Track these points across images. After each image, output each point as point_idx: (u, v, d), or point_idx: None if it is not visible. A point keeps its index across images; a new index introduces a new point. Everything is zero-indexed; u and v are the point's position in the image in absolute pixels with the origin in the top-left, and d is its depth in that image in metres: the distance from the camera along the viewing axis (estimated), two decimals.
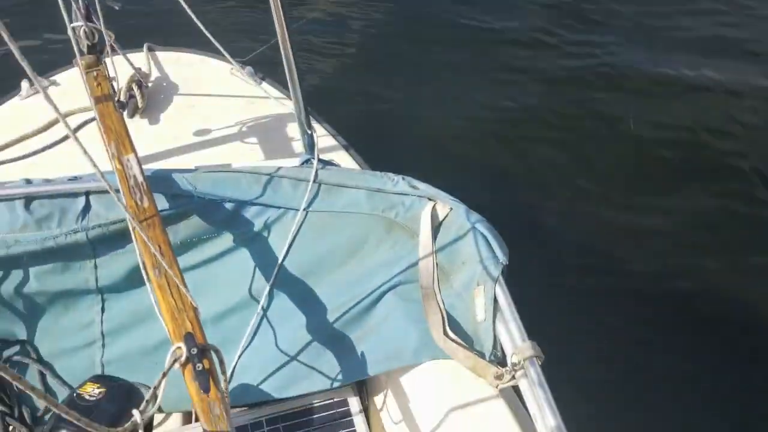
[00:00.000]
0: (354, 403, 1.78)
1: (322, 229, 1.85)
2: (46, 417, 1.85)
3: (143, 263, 1.70)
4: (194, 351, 1.35)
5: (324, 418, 1.76)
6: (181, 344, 1.39)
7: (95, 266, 1.86)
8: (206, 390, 1.33)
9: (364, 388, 1.92)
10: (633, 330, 3.07)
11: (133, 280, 1.89)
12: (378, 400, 1.97)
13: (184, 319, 1.44)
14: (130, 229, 1.66)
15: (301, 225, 1.84)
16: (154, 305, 1.74)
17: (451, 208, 1.74)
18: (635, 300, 3.19)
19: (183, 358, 1.37)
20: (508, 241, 1.68)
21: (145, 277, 1.75)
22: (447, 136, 4.03)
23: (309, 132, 2.03)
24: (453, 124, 4.13)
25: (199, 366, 1.34)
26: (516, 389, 1.57)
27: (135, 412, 1.28)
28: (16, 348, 1.90)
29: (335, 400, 1.79)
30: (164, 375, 1.33)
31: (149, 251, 1.54)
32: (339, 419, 1.76)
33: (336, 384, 1.74)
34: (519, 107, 4.30)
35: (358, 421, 1.75)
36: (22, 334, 1.90)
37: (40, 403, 1.85)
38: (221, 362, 1.39)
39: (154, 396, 1.31)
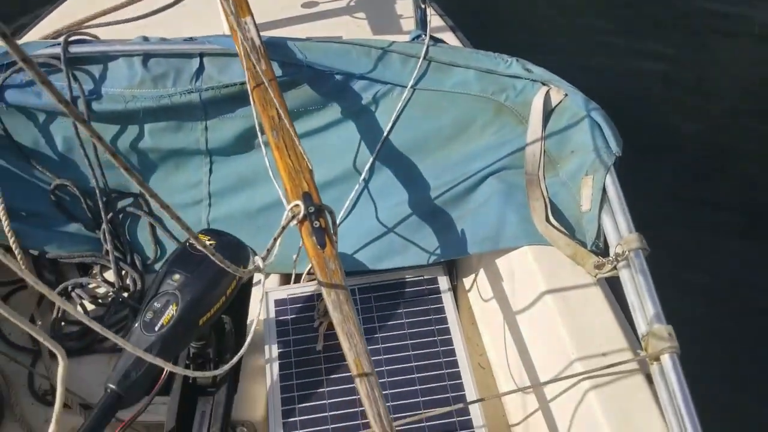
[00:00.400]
0: (443, 282, 1.82)
1: (428, 107, 1.83)
2: (156, 266, 1.98)
3: (260, 126, 1.75)
4: (311, 209, 1.41)
5: (413, 293, 1.81)
6: (299, 202, 1.44)
7: (206, 128, 1.92)
8: (323, 245, 1.39)
9: (454, 268, 1.95)
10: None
11: (240, 145, 1.95)
12: (467, 281, 2.00)
13: (300, 180, 1.49)
14: (249, 90, 1.69)
15: (407, 102, 1.83)
16: (268, 168, 1.81)
17: (566, 94, 1.68)
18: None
19: (300, 215, 1.42)
20: (624, 135, 1.63)
21: (260, 140, 1.80)
22: (565, 23, 3.78)
23: (422, 6, 1.97)
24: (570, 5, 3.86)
25: (317, 223, 1.40)
26: (614, 282, 1.56)
27: (257, 258, 1.34)
28: (130, 200, 2.02)
29: (425, 277, 1.83)
30: (283, 228, 1.39)
31: (267, 113, 1.57)
32: (428, 295, 1.80)
33: (431, 260, 1.77)
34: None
35: (447, 299, 1.79)
36: (135, 188, 2.02)
37: (151, 252, 1.98)
38: (334, 223, 1.44)
39: (273, 247, 1.37)
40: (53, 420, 1.04)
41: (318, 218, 1.42)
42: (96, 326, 0.92)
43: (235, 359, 1.38)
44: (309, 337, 1.75)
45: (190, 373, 1.48)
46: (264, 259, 1.34)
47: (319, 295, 1.80)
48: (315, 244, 1.40)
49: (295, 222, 1.44)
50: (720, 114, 3.47)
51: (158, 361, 1.11)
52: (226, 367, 1.36)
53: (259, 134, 1.81)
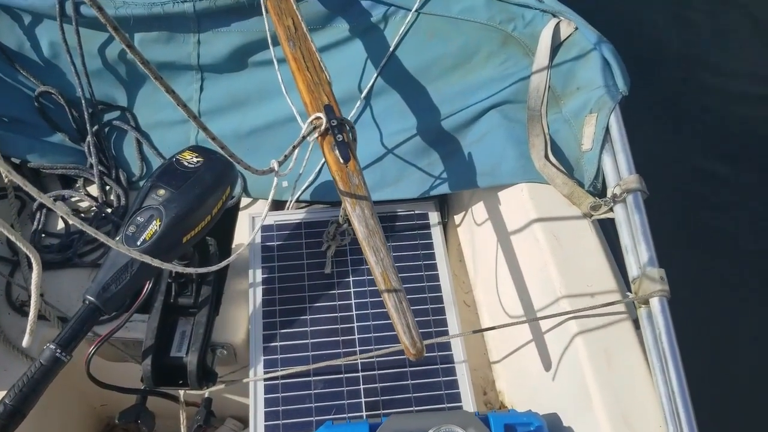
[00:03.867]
0: (434, 217, 1.79)
1: (432, 33, 1.75)
2: (141, 183, 1.93)
3: (272, 39, 1.70)
4: (334, 122, 1.35)
5: (402, 227, 1.78)
6: (321, 114, 1.38)
7: (198, 42, 1.84)
8: (347, 159, 1.35)
9: (445, 204, 1.92)
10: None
11: (233, 62, 1.87)
12: (458, 218, 1.97)
13: (320, 93, 1.43)
14: (261, 0, 1.61)
15: (410, 26, 1.75)
16: (281, 82, 1.76)
17: (576, 28, 1.60)
18: None
19: (323, 128, 1.37)
20: (632, 72, 1.57)
21: (272, 55, 1.74)
22: None
23: None
24: None
25: (340, 137, 1.35)
26: (608, 228, 1.54)
27: (273, 161, 1.28)
28: (117, 113, 1.95)
29: (416, 212, 1.80)
30: (304, 138, 1.35)
31: (283, 23, 1.50)
32: (417, 230, 1.77)
33: (424, 194, 1.73)
34: None
35: (436, 233, 1.76)
36: (123, 101, 1.95)
37: (136, 169, 1.93)
38: (354, 138, 1.39)
39: (290, 153, 1.33)
40: (28, 326, 1.01)
41: (342, 131, 1.37)
42: (89, 229, 0.88)
43: (222, 264, 1.35)
44: (294, 264, 1.72)
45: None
46: (280, 163, 1.28)
47: (309, 223, 1.77)
48: (337, 158, 1.35)
49: (316, 135, 1.39)
50: (734, 69, 3.39)
51: (155, 262, 1.07)
52: (213, 267, 1.33)
53: (271, 46, 1.73)
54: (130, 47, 0.80)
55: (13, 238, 0.90)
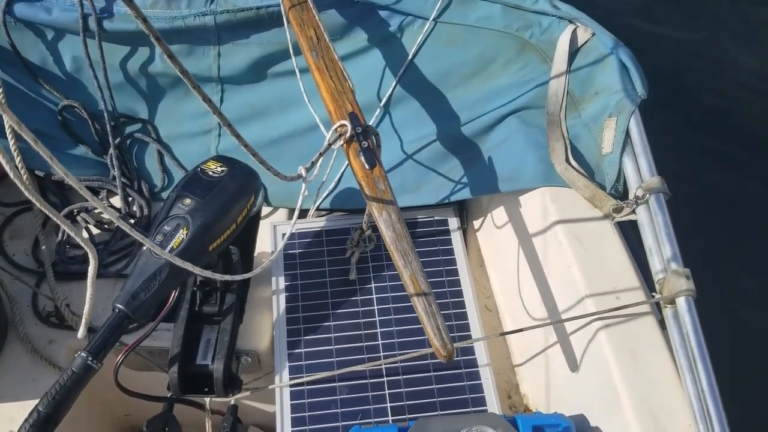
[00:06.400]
0: (453, 222, 1.80)
1: (450, 42, 1.77)
2: (164, 194, 1.95)
3: (294, 48, 1.72)
4: (359, 129, 1.38)
5: (423, 233, 1.79)
6: (346, 122, 1.40)
7: (218, 54, 1.87)
8: (372, 165, 1.37)
9: (465, 209, 1.93)
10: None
11: (252, 73, 1.90)
12: (477, 223, 1.98)
13: (344, 101, 1.46)
14: (284, 11, 1.65)
15: (428, 35, 1.77)
16: (303, 91, 1.79)
17: (593, 34, 1.62)
18: None
19: (347, 135, 1.39)
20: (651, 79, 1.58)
21: (293, 66, 1.77)
22: None
23: None
24: None
25: (365, 144, 1.37)
26: (630, 231, 1.54)
27: (301, 168, 1.30)
28: (138, 126, 1.98)
29: (436, 218, 1.81)
30: (329, 145, 1.37)
31: (305, 33, 1.53)
32: (437, 236, 1.78)
33: (443, 200, 1.75)
34: None
35: (456, 238, 1.77)
36: (144, 114, 1.98)
37: (158, 180, 1.95)
38: (378, 145, 1.42)
39: (317, 160, 1.35)
40: (83, 319, 1.05)
41: (367, 138, 1.40)
42: (125, 226, 0.90)
43: (251, 274, 1.37)
44: (317, 272, 1.73)
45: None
46: (308, 170, 1.30)
47: (330, 231, 1.78)
48: (363, 164, 1.37)
49: (341, 142, 1.41)
50: (757, 68, 3.39)
51: (187, 265, 1.09)
52: (243, 276, 1.35)
53: (293, 56, 1.76)
54: (171, 57, 0.82)
55: (78, 239, 0.92)
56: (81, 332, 1.07)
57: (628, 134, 1.49)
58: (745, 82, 3.35)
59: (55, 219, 0.88)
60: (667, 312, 1.30)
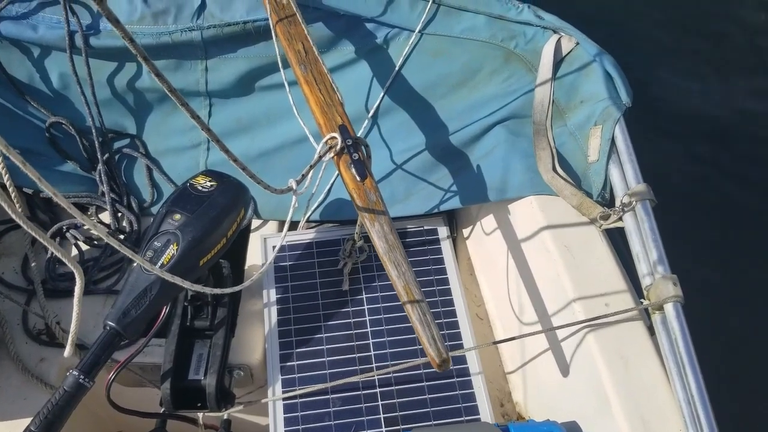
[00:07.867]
0: (443, 231, 1.81)
1: (436, 53, 1.79)
2: (153, 209, 1.95)
3: (282, 61, 1.73)
4: (349, 141, 1.39)
5: (413, 243, 1.80)
6: (336, 134, 1.41)
7: (206, 68, 1.88)
8: (363, 177, 1.38)
9: (454, 219, 1.94)
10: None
11: (240, 87, 1.90)
12: (466, 231, 1.99)
13: (333, 114, 1.46)
14: (272, 25, 1.65)
15: (414, 47, 1.79)
16: (292, 105, 1.78)
17: (577, 43, 1.64)
18: None
19: (338, 148, 1.40)
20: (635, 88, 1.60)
21: (282, 79, 1.77)
22: None
23: None
24: None
25: (356, 155, 1.38)
26: (617, 238, 1.56)
27: (291, 181, 1.31)
28: (126, 141, 1.98)
29: (425, 227, 1.82)
30: (320, 158, 1.38)
31: (293, 47, 1.53)
32: (427, 246, 1.79)
33: (432, 210, 1.76)
34: None
35: (446, 248, 1.78)
36: (132, 129, 1.98)
37: (147, 195, 1.95)
38: (369, 156, 1.43)
39: (308, 173, 1.36)
40: (70, 336, 1.04)
41: (357, 150, 1.41)
42: (114, 242, 0.90)
43: (242, 286, 1.37)
44: (307, 284, 1.74)
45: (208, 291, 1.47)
46: (298, 182, 1.31)
47: (321, 242, 1.79)
48: (354, 176, 1.38)
49: (332, 154, 1.42)
50: (737, 75, 3.44)
51: (177, 280, 1.09)
52: (234, 288, 1.35)
53: (281, 70, 1.76)
54: (158, 76, 0.83)
55: (62, 257, 0.92)
56: (68, 351, 1.07)
57: (613, 142, 1.51)
58: (729, 89, 3.39)
59: (41, 240, 0.88)
60: (656, 318, 1.32)
